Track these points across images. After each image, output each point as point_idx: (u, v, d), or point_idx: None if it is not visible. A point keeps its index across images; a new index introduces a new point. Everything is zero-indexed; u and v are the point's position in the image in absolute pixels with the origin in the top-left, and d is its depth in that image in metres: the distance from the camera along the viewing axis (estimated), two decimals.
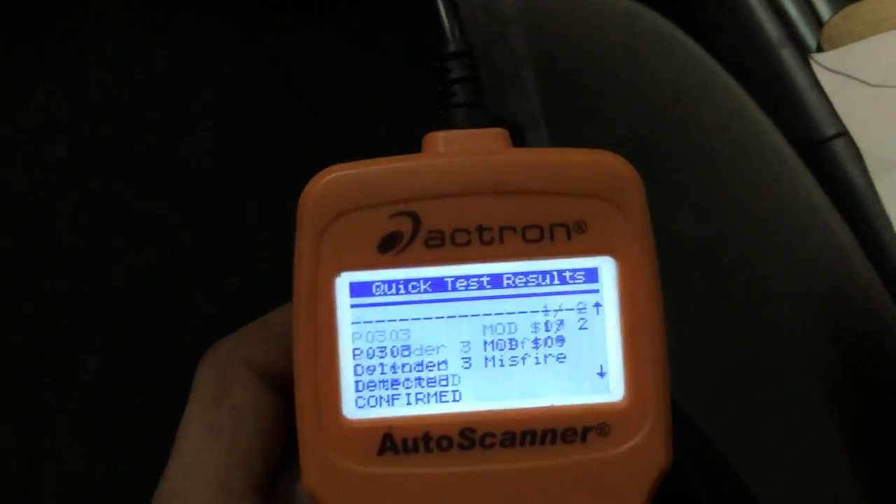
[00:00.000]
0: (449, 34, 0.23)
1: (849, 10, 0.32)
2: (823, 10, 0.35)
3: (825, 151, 0.32)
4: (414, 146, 0.23)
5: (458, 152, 0.22)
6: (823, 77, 0.30)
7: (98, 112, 0.36)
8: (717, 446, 0.34)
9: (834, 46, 0.31)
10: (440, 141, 0.22)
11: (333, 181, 0.21)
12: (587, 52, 0.41)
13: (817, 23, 0.35)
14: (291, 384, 0.22)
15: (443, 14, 0.24)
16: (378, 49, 0.39)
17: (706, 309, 0.37)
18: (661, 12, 0.42)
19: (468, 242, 0.21)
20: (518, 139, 0.39)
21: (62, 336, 0.34)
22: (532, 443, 0.21)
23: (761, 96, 0.39)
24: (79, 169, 0.35)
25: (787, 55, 0.35)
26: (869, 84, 0.30)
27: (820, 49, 0.31)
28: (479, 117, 0.23)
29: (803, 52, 0.34)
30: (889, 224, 0.34)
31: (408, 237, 0.21)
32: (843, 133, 0.32)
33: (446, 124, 0.23)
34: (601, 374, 0.21)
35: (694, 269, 0.37)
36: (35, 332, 0.34)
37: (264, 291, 0.27)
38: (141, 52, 0.37)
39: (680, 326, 0.32)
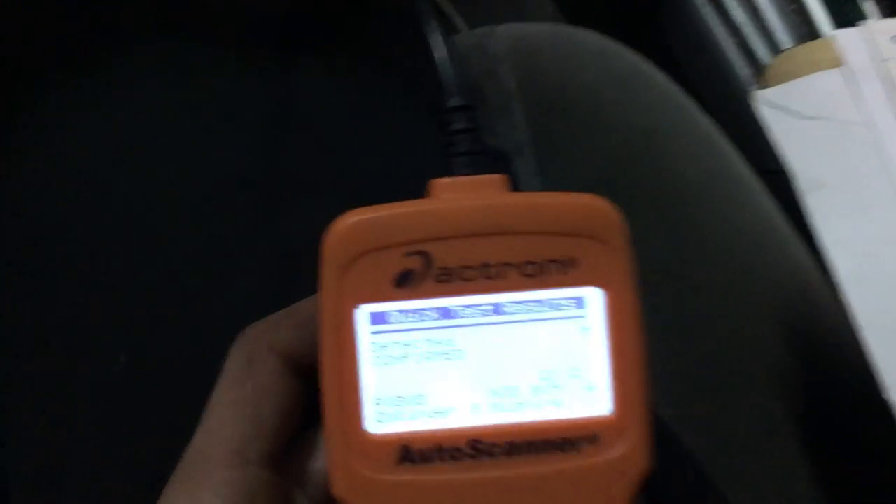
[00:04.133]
0: (450, 89, 0.25)
1: (788, 52, 0.34)
2: None
3: (785, 180, 0.34)
4: (407, 175, 0.25)
5: (463, 197, 0.24)
6: (763, 111, 0.32)
7: (129, 138, 0.38)
8: (684, 446, 0.36)
9: (774, 84, 0.33)
10: (446, 187, 0.24)
11: (354, 225, 0.23)
12: (570, 87, 0.42)
13: None
14: (311, 367, 0.24)
15: (444, 70, 0.25)
16: (377, 87, 0.41)
17: (674, 320, 0.38)
18: (639, 52, 0.44)
19: (474, 278, 0.23)
20: (507, 166, 0.41)
21: (98, 332, 0.36)
22: (531, 452, 0.23)
23: (730, 129, 0.41)
24: (116, 188, 0.37)
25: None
26: (802, 116, 0.32)
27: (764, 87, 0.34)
28: (480, 164, 0.25)
29: None
30: None
31: (420, 274, 0.23)
32: None
33: (450, 170, 0.25)
34: (591, 391, 0.23)
35: (663, 284, 0.39)
36: (75, 327, 0.36)
37: (273, 292, 0.29)
38: (168, 87, 0.39)
39: (651, 336, 0.35)
